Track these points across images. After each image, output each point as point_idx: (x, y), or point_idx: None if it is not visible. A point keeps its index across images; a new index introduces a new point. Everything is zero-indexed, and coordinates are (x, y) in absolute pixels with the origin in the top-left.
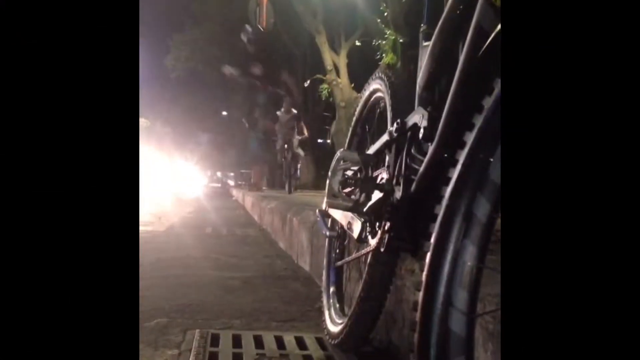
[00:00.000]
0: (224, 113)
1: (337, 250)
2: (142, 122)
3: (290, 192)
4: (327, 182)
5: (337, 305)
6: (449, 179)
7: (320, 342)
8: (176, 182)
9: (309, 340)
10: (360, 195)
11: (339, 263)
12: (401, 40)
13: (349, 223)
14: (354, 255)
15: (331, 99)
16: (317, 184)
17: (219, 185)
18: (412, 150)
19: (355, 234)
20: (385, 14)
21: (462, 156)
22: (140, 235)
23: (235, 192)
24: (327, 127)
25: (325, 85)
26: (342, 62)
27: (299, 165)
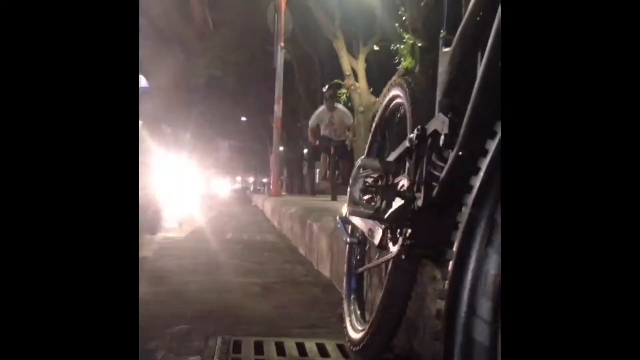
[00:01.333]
0: (243, 119)
1: (358, 257)
2: (163, 128)
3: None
4: (348, 189)
5: (358, 312)
6: (471, 186)
7: (341, 348)
8: (195, 188)
9: (330, 346)
10: (381, 203)
11: (360, 270)
12: (420, 45)
13: (370, 230)
14: (374, 262)
15: (349, 104)
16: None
17: (239, 190)
18: (433, 157)
19: (376, 240)
20: (404, 18)
21: (484, 164)
22: (162, 242)
23: (255, 198)
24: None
25: (343, 90)
26: (361, 66)
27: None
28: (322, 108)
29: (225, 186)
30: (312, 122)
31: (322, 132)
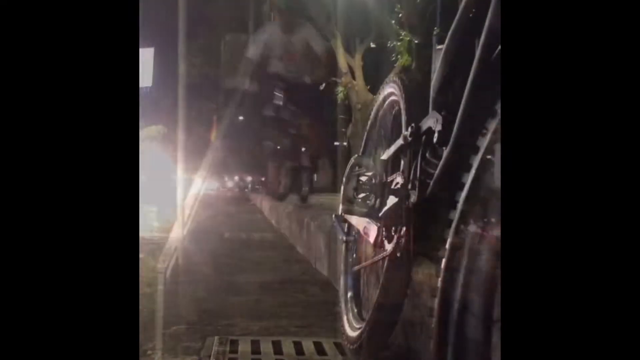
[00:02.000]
0: (240, 118)
1: (354, 255)
2: (160, 129)
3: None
4: (342, 187)
5: (355, 310)
6: (464, 183)
7: (338, 347)
8: (193, 187)
9: (328, 345)
10: (375, 201)
11: (356, 268)
12: (416, 41)
13: (365, 228)
14: (370, 260)
15: (347, 102)
16: (335, 188)
17: (236, 189)
18: (427, 155)
19: (372, 238)
20: (400, 15)
21: (475, 161)
22: (159, 242)
23: (253, 197)
24: (343, 129)
25: (341, 88)
26: (358, 64)
27: None
28: (272, 26)
29: (222, 186)
30: (252, 50)
31: (271, 69)
